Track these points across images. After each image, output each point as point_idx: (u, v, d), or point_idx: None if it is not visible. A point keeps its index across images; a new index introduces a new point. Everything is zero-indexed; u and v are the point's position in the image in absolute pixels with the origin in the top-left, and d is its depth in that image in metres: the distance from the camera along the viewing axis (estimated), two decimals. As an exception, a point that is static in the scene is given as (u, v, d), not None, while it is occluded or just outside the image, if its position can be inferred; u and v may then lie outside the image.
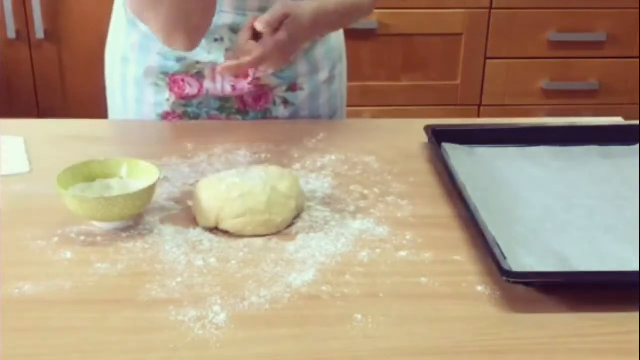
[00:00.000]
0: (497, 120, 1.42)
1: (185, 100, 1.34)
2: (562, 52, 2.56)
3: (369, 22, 2.46)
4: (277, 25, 1.16)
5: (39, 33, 2.43)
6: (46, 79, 2.50)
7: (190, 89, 1.32)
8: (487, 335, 0.81)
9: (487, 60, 2.56)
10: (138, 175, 1.04)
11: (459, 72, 2.58)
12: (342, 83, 1.45)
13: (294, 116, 1.37)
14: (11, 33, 2.42)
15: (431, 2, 2.48)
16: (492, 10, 2.50)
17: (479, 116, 2.61)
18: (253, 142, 1.22)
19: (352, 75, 2.55)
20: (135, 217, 1.01)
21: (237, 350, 0.78)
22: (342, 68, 1.44)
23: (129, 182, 1.04)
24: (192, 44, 1.18)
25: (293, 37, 1.18)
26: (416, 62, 2.56)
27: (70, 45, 2.47)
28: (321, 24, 1.25)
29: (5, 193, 1.07)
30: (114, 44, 1.38)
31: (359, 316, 0.83)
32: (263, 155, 1.19)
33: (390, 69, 2.56)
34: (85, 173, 1.04)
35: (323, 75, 1.38)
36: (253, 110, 1.35)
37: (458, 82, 2.59)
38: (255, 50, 1.15)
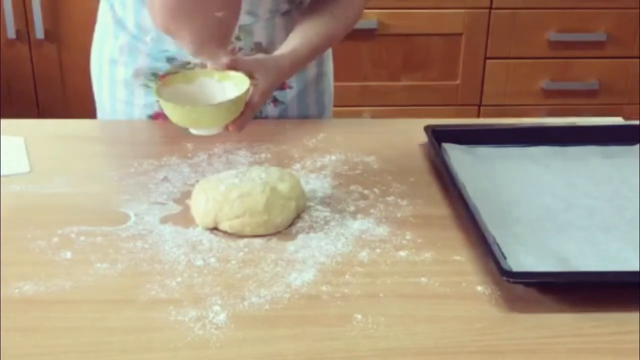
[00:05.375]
0: (497, 120, 1.42)
1: None
2: (562, 52, 2.56)
3: (369, 22, 2.46)
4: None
5: (39, 33, 2.43)
6: (46, 79, 2.50)
7: None
8: (487, 335, 0.81)
9: (487, 60, 2.56)
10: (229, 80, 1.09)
11: (459, 72, 2.58)
12: (329, 81, 1.44)
13: (283, 115, 1.37)
14: (11, 33, 2.42)
15: (431, 2, 2.48)
16: (492, 10, 2.50)
17: (479, 116, 2.61)
18: (253, 142, 1.22)
19: (352, 75, 2.59)
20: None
21: (237, 350, 0.78)
22: (329, 66, 1.44)
23: (224, 84, 1.08)
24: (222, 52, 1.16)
25: (265, 92, 1.16)
26: (416, 62, 2.56)
27: (70, 45, 2.47)
28: (295, 69, 1.24)
29: (5, 193, 1.07)
30: (101, 47, 1.37)
31: (359, 316, 0.83)
32: (263, 155, 1.19)
33: (390, 69, 2.56)
34: (183, 78, 1.10)
35: (311, 73, 1.38)
36: None
37: (458, 82, 2.59)
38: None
